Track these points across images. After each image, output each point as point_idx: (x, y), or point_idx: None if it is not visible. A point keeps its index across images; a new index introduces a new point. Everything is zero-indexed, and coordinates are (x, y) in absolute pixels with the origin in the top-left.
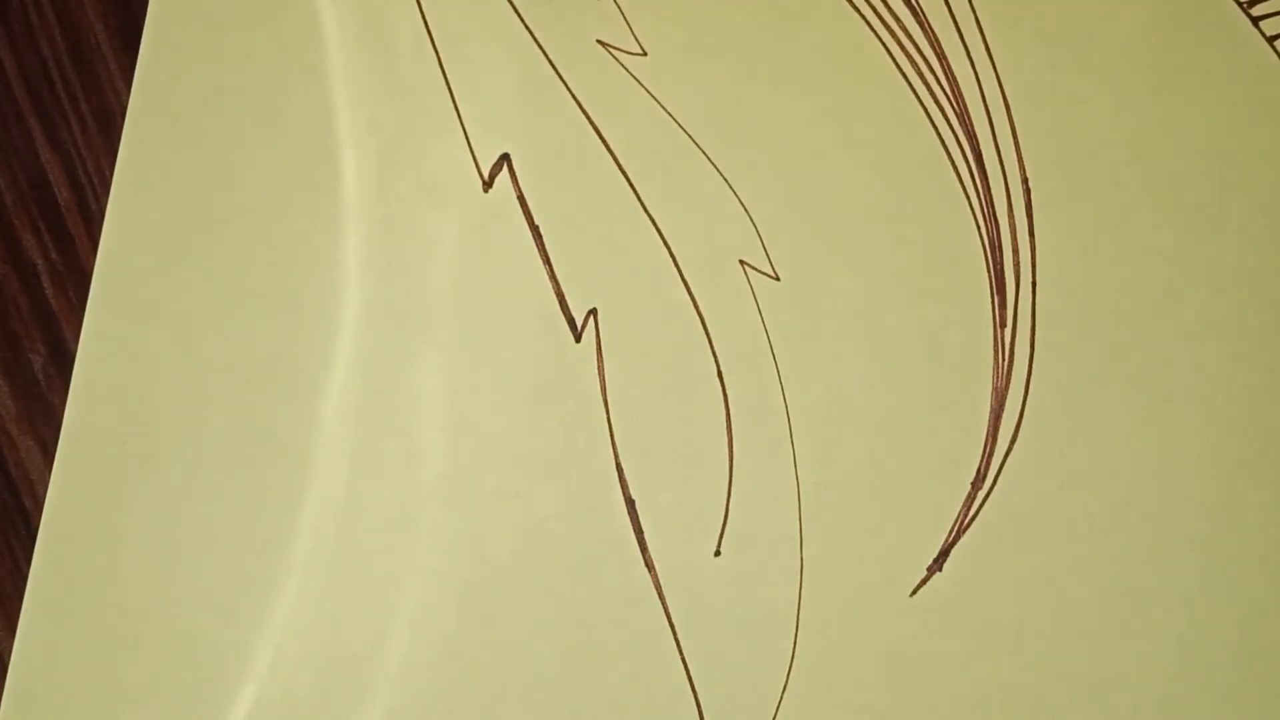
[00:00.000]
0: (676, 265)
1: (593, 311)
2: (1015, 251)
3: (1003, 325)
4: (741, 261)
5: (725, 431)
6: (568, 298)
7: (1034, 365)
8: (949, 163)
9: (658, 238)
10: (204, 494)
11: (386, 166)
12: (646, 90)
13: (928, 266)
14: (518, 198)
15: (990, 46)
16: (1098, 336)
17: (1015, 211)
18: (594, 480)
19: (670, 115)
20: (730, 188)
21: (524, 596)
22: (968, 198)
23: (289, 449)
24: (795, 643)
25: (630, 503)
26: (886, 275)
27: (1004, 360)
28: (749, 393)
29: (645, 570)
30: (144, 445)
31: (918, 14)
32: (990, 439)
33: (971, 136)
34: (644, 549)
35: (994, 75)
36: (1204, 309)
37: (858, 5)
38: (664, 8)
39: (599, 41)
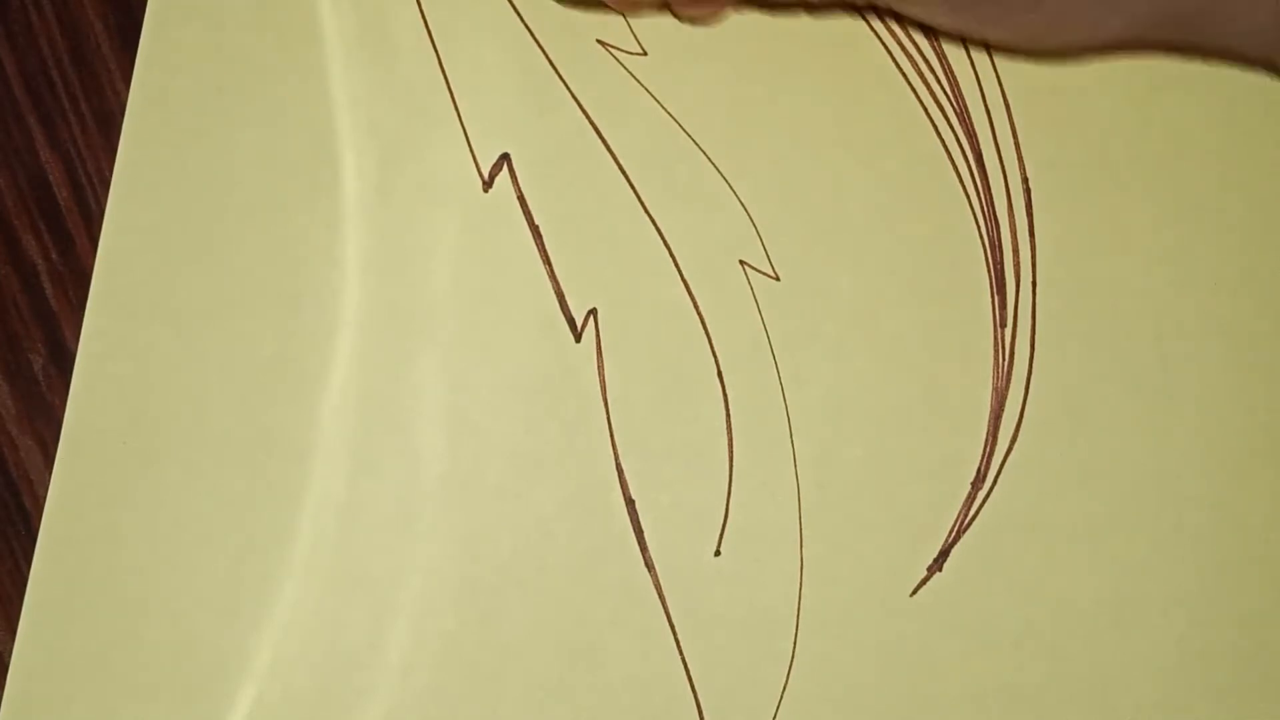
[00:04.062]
0: (676, 265)
1: (593, 311)
2: (1015, 251)
3: (1003, 325)
4: (741, 261)
5: (725, 431)
6: (568, 298)
7: (1034, 365)
8: (949, 163)
9: (658, 238)
10: (204, 494)
11: (386, 166)
12: (646, 90)
13: (928, 266)
14: (518, 198)
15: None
16: (1098, 336)
17: (1015, 211)
18: (594, 480)
19: (670, 115)
20: (730, 188)
21: (524, 596)
22: (968, 198)
23: (289, 449)
24: (795, 643)
25: (630, 503)
26: (886, 275)
27: (1004, 360)
28: (749, 393)
29: (645, 570)
30: (144, 445)
31: None
32: (990, 439)
33: (971, 136)
34: (644, 549)
35: (994, 75)
36: (1204, 309)
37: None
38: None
39: (599, 41)
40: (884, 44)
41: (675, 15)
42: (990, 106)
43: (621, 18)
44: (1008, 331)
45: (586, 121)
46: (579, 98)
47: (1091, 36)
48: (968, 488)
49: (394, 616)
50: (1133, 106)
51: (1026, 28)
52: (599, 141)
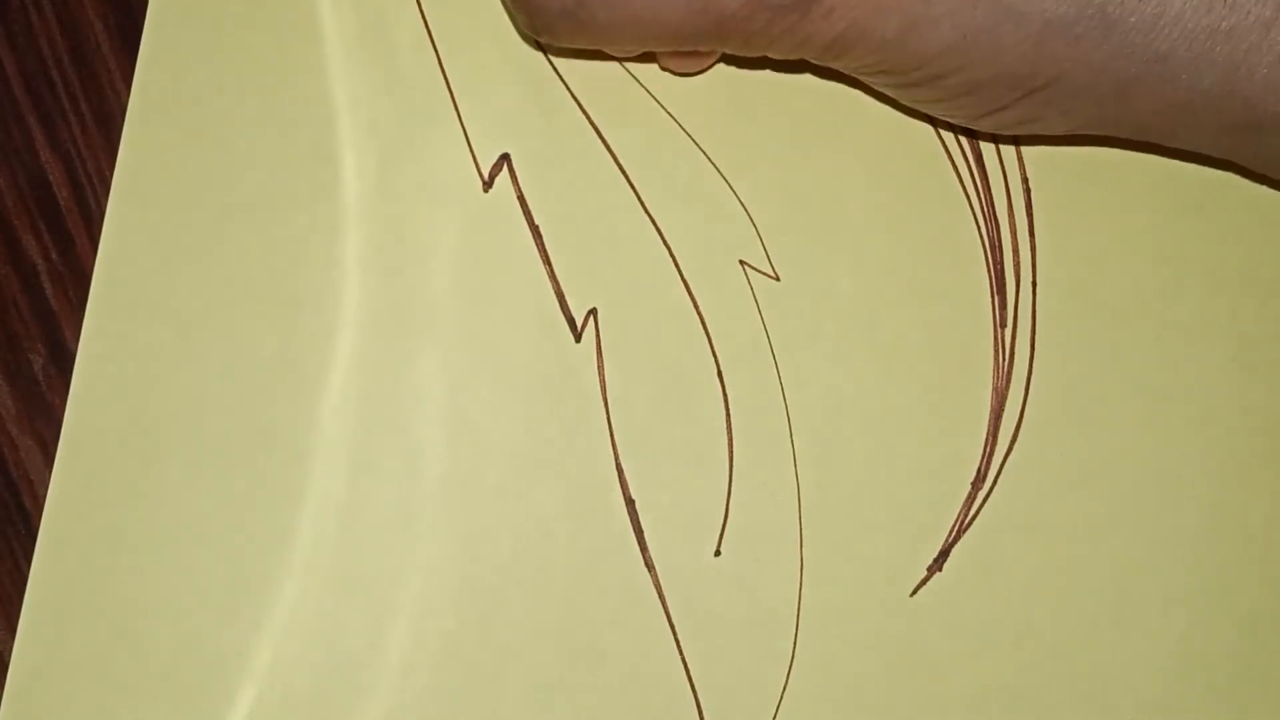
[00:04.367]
0: (676, 265)
1: (593, 311)
2: (1015, 251)
3: (1003, 325)
4: (741, 261)
5: (725, 431)
6: (568, 298)
7: (1034, 365)
8: (949, 163)
9: (658, 238)
10: (204, 494)
11: (386, 166)
12: (646, 90)
13: (928, 266)
14: (518, 198)
15: None
16: (1098, 336)
17: (1015, 211)
18: (594, 480)
19: (670, 115)
20: (730, 188)
21: (524, 596)
22: (968, 198)
23: (289, 449)
24: (795, 643)
25: (630, 503)
26: (886, 275)
27: (1004, 360)
28: (749, 393)
29: (645, 570)
30: (144, 445)
31: None
32: (990, 439)
33: (971, 136)
34: (644, 549)
35: None
36: (1204, 309)
37: None
38: None
39: None
40: None
41: (662, 68)
42: None
43: None
44: (1008, 331)
45: (586, 121)
46: (579, 98)
47: (1032, 131)
48: (968, 488)
49: (394, 616)
50: None
51: (964, 109)
52: (599, 141)
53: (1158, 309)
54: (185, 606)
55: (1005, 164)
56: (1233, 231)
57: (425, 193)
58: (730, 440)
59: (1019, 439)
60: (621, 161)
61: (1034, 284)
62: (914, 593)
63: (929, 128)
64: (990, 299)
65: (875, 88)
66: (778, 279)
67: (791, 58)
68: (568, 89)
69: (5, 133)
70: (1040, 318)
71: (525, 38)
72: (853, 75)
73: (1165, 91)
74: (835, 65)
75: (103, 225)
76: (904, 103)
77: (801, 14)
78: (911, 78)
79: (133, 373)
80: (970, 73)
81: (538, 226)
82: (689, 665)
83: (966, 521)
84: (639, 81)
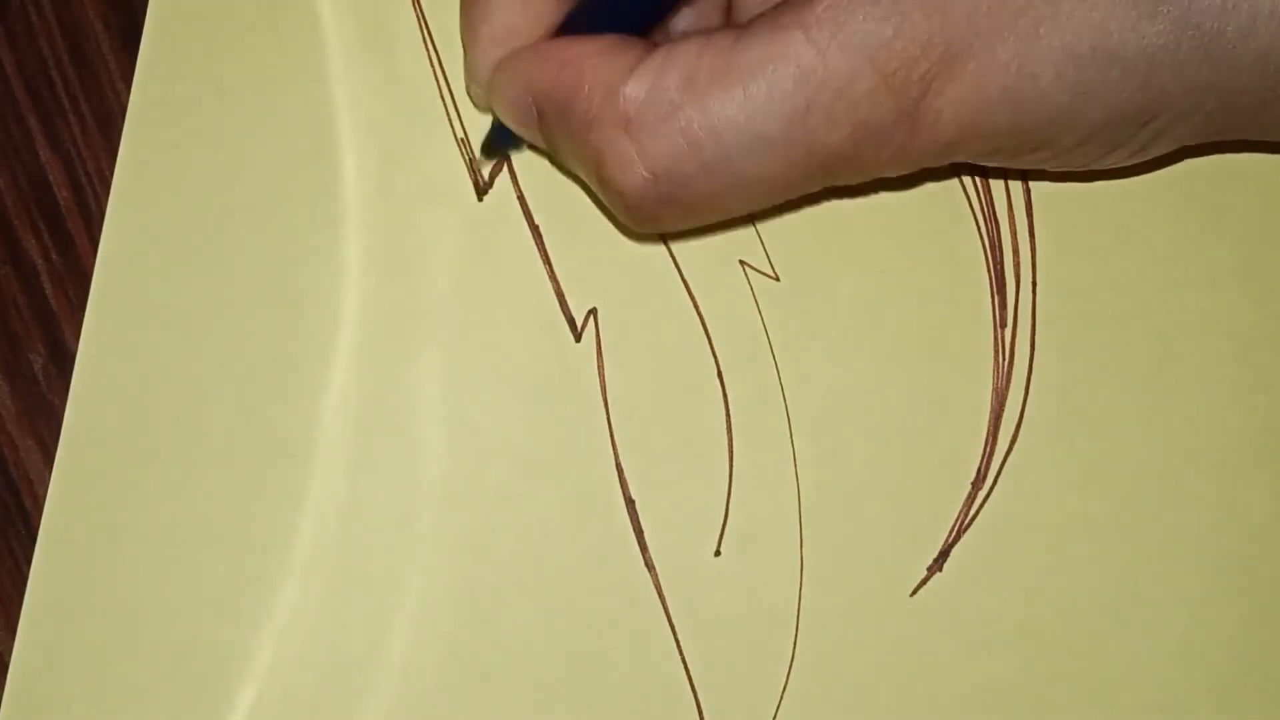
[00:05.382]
0: (676, 265)
1: (593, 311)
2: (1015, 251)
3: (1003, 325)
4: (741, 261)
5: (725, 431)
6: (568, 298)
7: (1034, 365)
8: None
9: (658, 237)
10: (204, 494)
11: (386, 166)
12: None
13: (928, 266)
14: (518, 198)
15: None
16: (1098, 336)
17: (1015, 211)
18: (594, 480)
19: None
20: None
21: (524, 596)
22: (968, 198)
23: (289, 449)
24: (795, 643)
25: (630, 503)
26: (886, 275)
27: (1004, 360)
28: (749, 393)
29: (645, 570)
30: (144, 445)
31: None
32: (990, 439)
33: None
34: (644, 549)
35: None
36: (1204, 309)
37: None
38: None
39: None
40: None
41: None
42: None
43: None
44: (1008, 331)
45: None
46: None
47: (1138, 160)
48: (968, 488)
49: (394, 616)
50: None
51: (1076, 160)
52: None
53: (1158, 309)
54: (185, 606)
55: None
56: (1233, 231)
57: (425, 192)
58: (730, 440)
59: (1019, 439)
60: None
61: (1034, 284)
62: (914, 593)
63: None
64: (990, 299)
65: (980, 164)
66: (778, 279)
67: (905, 173)
68: None
69: (5, 133)
70: (1040, 318)
71: (637, 237)
72: (958, 162)
73: (1267, 87)
74: (945, 162)
75: (103, 225)
76: (1013, 168)
77: (909, 129)
78: (1024, 148)
79: (133, 373)
80: (1081, 128)
81: (538, 226)
82: (689, 665)
83: (966, 521)
84: None
